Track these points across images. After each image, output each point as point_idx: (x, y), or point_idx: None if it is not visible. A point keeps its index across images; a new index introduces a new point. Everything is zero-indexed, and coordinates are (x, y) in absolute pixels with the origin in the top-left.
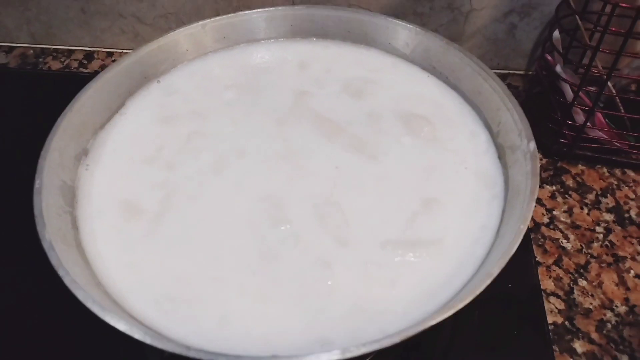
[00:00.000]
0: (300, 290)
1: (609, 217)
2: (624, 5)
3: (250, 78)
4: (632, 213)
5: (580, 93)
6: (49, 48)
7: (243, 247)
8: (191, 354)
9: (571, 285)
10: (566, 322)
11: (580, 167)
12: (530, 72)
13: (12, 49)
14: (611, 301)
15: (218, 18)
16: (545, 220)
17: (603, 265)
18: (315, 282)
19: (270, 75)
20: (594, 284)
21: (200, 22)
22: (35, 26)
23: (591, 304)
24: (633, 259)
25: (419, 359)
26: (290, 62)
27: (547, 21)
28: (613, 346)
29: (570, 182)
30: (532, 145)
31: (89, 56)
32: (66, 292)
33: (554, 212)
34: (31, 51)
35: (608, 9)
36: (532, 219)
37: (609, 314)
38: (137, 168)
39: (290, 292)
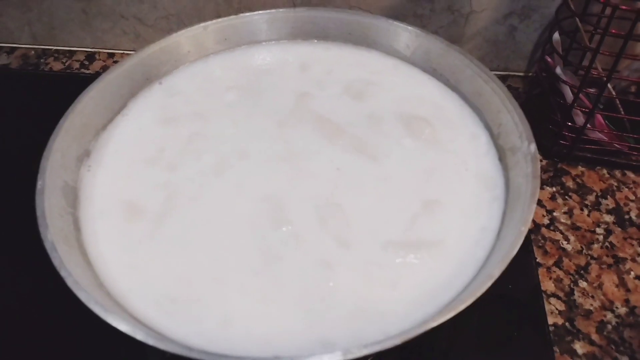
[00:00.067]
0: (301, 291)
1: (609, 218)
2: (624, 7)
3: (251, 80)
4: (632, 214)
5: (580, 95)
6: (51, 49)
7: (244, 248)
8: (193, 355)
9: (571, 286)
10: (566, 323)
11: (580, 168)
12: (530, 74)
13: (13, 49)
14: (611, 302)
15: (219, 20)
16: (546, 221)
17: (603, 266)
18: (316, 283)
19: (271, 76)
20: (594, 285)
21: (201, 24)
22: (36, 27)
23: (591, 305)
24: (633, 260)
25: None
26: (291, 64)
27: (547, 23)
28: (613, 347)
29: (570, 184)
30: (533, 147)
31: (91, 57)
32: (68, 293)
33: (554, 214)
34: (32, 52)
35: (608, 11)
36: (533, 220)
37: (609, 315)
38: (138, 169)
39: (292, 293)
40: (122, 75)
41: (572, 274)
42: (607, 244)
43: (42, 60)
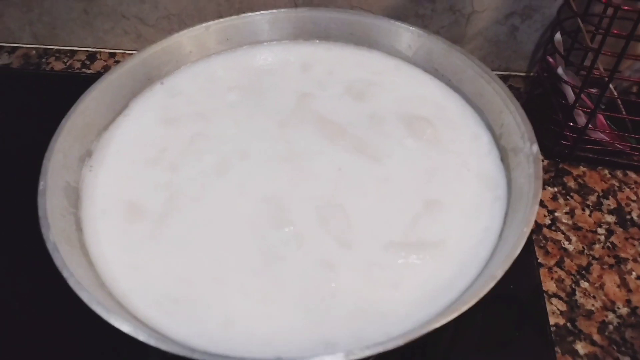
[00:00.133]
0: (303, 291)
1: (610, 218)
2: (626, 8)
3: (253, 80)
4: (634, 215)
5: (582, 95)
6: (52, 49)
7: (246, 248)
8: (195, 356)
9: (573, 286)
10: (568, 324)
11: (581, 168)
12: (531, 74)
13: (14, 49)
14: (613, 303)
15: (221, 20)
16: (547, 221)
17: (605, 266)
18: (318, 284)
19: (272, 77)
20: (595, 285)
21: (203, 24)
22: (38, 27)
23: (593, 305)
24: (635, 260)
25: None
26: (292, 64)
27: (549, 23)
28: (615, 348)
29: (571, 184)
30: (535, 147)
31: (92, 57)
32: (70, 293)
33: (556, 214)
34: (34, 52)
35: (610, 11)
36: (534, 221)
37: (610, 316)
38: (140, 169)
39: (293, 293)
40: (124, 75)
41: (573, 274)
42: (608, 244)
43: (43, 60)
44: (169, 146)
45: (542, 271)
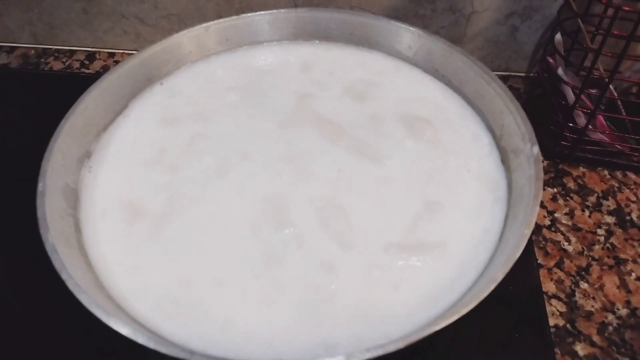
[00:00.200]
0: (303, 293)
1: (610, 219)
2: (626, 8)
3: (253, 80)
4: (634, 216)
5: (582, 96)
6: (51, 48)
7: (246, 250)
8: (195, 359)
9: (572, 287)
10: (568, 325)
11: (581, 169)
12: (531, 74)
13: (13, 49)
14: (612, 304)
15: (221, 20)
16: (547, 222)
17: (604, 267)
18: (318, 286)
19: (272, 77)
20: (595, 286)
21: (203, 25)
22: (37, 26)
23: (593, 306)
24: (634, 261)
25: None
26: (292, 65)
27: (549, 24)
28: (614, 349)
29: (571, 185)
30: (536, 149)
31: (91, 57)
32: (69, 296)
33: (556, 215)
34: (33, 51)
35: (610, 12)
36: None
37: (610, 317)
38: (140, 170)
39: (294, 295)
40: (124, 75)
41: (573, 275)
42: (608, 245)
43: (42, 59)
44: (169, 147)
45: (542, 272)
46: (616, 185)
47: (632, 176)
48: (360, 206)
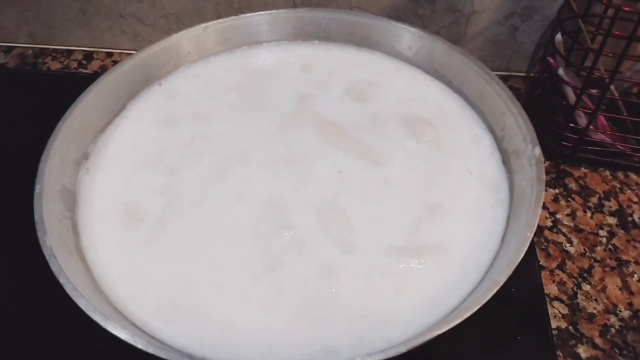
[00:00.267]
0: (304, 297)
1: (612, 220)
2: (626, 9)
3: (252, 81)
4: (635, 217)
5: (583, 96)
6: (49, 48)
7: (246, 253)
8: None
9: (575, 289)
10: (570, 327)
11: (583, 170)
12: (531, 74)
13: (11, 49)
14: (615, 306)
15: (220, 20)
16: (549, 223)
17: (607, 269)
18: (319, 289)
19: (272, 78)
20: (597, 288)
21: (202, 25)
22: (34, 26)
23: (595, 308)
24: (637, 262)
25: None
26: (292, 65)
27: (549, 24)
28: (617, 351)
29: (573, 185)
30: (538, 150)
31: (89, 56)
32: (67, 299)
33: (557, 216)
34: (30, 51)
35: (610, 12)
36: None
37: (612, 319)
38: (138, 172)
39: (295, 299)
40: (122, 76)
41: (575, 277)
42: (610, 246)
43: (39, 59)
44: (168, 148)
45: (544, 274)
46: (618, 186)
47: (634, 177)
48: (361, 208)
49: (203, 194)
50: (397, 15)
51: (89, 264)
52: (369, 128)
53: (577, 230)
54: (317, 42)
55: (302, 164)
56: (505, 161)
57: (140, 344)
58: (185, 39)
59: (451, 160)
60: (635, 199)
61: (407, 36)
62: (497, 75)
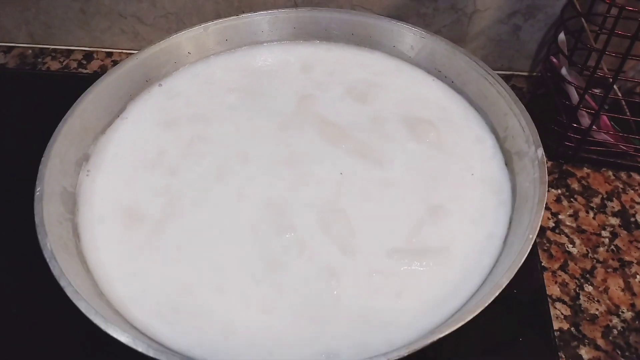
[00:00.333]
0: (305, 300)
1: (614, 221)
2: (630, 8)
3: (253, 81)
4: (638, 217)
5: (586, 96)
6: (48, 48)
7: (247, 255)
8: None
9: (577, 290)
10: (572, 328)
11: (585, 170)
12: (534, 74)
13: (10, 48)
14: (617, 307)
15: (220, 20)
16: (551, 224)
17: (609, 270)
18: (320, 292)
19: (273, 78)
20: (600, 289)
21: (202, 25)
22: (34, 26)
23: (597, 309)
24: (639, 263)
25: None
26: (293, 65)
27: (552, 23)
28: (619, 352)
29: (575, 186)
30: (540, 151)
31: (88, 56)
32: (68, 302)
33: (560, 216)
34: (30, 51)
35: (614, 11)
36: None
37: (615, 320)
38: (138, 173)
39: (295, 301)
40: (122, 77)
41: (577, 278)
42: (612, 247)
43: (39, 59)
44: (168, 149)
45: (546, 275)
46: (620, 186)
47: (637, 177)
48: (362, 210)
49: (203, 194)
50: (399, 14)
51: (89, 265)
52: (369, 128)
53: (580, 231)
54: (317, 42)
55: (303, 164)
56: (508, 162)
57: (141, 347)
58: (185, 39)
59: (453, 161)
60: (638, 200)
61: (409, 36)
62: (500, 74)
